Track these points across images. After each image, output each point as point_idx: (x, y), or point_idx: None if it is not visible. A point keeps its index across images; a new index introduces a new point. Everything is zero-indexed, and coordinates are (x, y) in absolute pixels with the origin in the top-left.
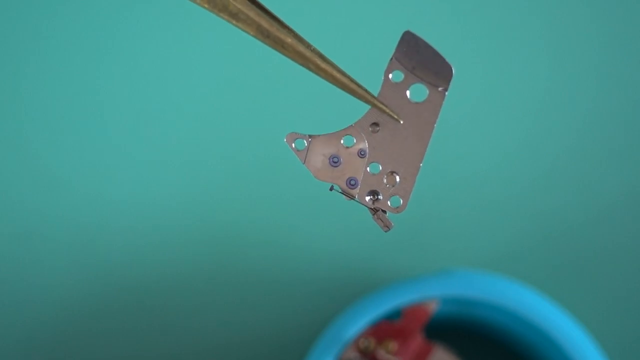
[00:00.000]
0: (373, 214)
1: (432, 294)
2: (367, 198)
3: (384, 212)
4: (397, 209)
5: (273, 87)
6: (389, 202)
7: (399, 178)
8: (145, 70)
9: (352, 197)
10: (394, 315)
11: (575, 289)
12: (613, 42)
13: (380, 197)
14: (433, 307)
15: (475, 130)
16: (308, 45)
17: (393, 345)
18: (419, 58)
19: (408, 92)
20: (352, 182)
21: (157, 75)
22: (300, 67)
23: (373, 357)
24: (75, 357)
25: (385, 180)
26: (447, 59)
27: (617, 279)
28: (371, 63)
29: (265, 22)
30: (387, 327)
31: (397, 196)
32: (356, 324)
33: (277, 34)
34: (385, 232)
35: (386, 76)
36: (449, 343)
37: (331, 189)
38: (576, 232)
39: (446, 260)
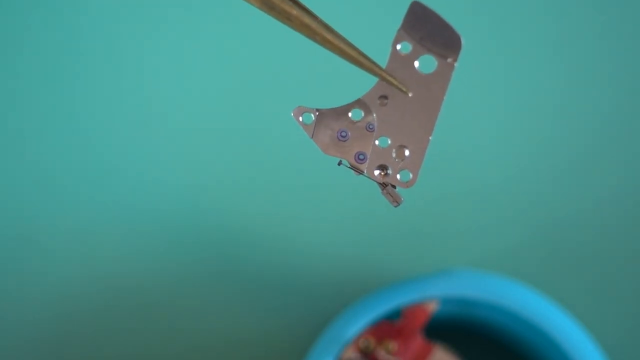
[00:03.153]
0: (382, 189)
1: (432, 294)
2: (376, 172)
3: (394, 186)
4: (407, 184)
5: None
6: (398, 176)
7: (408, 152)
8: (144, 61)
9: (360, 172)
10: (394, 315)
11: (576, 289)
12: (613, 43)
13: (390, 171)
14: (433, 307)
15: (475, 129)
16: (314, 17)
17: (393, 345)
18: (427, 29)
19: (416, 64)
20: (361, 157)
21: (157, 72)
22: (307, 40)
23: (373, 357)
24: (75, 357)
25: (394, 154)
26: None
27: (617, 279)
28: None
29: None
30: (387, 327)
31: (407, 170)
32: (356, 324)
33: (282, 6)
34: (395, 207)
35: (394, 47)
36: (449, 343)
37: (339, 163)
38: (576, 232)
39: (446, 260)
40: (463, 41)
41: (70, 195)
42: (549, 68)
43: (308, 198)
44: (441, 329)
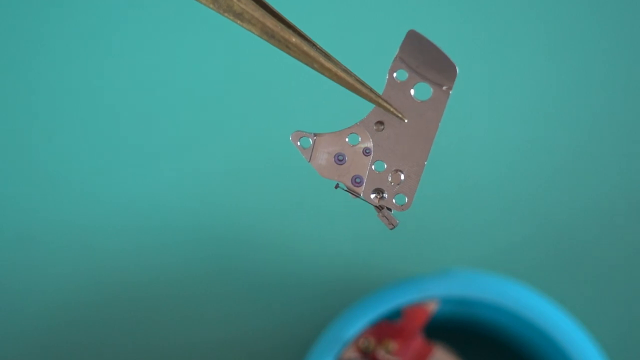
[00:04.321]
0: (378, 212)
1: (432, 294)
2: (372, 196)
3: (389, 209)
4: (402, 207)
5: (278, 86)
6: (394, 200)
7: (404, 176)
8: (148, 69)
9: (357, 195)
10: (394, 315)
11: (575, 288)
12: (612, 42)
13: (385, 195)
14: (433, 307)
15: (474, 130)
16: (313, 45)
17: (393, 345)
18: (423, 57)
19: (412, 91)
20: (358, 180)
21: (160, 75)
22: (306, 66)
23: (373, 357)
24: (75, 354)
25: (390, 178)
26: (451, 58)
27: (617, 279)
28: (376, 61)
29: (269, 22)
30: (387, 327)
31: (402, 194)
32: (356, 324)
33: (281, 34)
34: (390, 229)
35: (390, 75)
36: (449, 343)
37: (336, 186)
38: (576, 232)
39: (446, 260)
40: (458, 70)
41: (69, 196)
42: (547, 68)
43: (309, 198)
44: (441, 329)
